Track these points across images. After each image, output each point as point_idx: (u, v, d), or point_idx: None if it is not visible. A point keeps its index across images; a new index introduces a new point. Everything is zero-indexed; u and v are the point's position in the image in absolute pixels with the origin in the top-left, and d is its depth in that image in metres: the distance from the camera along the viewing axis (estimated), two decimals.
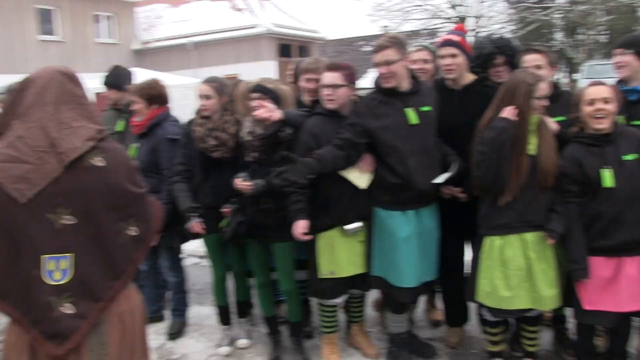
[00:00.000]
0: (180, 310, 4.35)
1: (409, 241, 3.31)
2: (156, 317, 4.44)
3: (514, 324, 3.60)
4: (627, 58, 3.32)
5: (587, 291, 3.04)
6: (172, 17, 28.40)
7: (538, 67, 3.33)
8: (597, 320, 3.10)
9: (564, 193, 3.06)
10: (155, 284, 4.44)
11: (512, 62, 3.53)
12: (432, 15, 26.79)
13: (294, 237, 3.32)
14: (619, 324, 3.10)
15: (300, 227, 3.28)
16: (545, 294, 3.10)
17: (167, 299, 4.54)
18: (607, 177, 2.94)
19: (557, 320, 3.69)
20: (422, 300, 4.22)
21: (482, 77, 3.53)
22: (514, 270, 3.08)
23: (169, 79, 3.87)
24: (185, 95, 14.52)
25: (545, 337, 3.70)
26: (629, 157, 2.96)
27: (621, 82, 3.41)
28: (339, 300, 3.64)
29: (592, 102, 2.97)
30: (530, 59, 3.38)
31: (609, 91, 2.98)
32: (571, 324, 3.52)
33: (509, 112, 2.99)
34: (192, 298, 4.68)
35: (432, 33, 26.03)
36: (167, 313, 4.46)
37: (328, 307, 3.67)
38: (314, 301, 4.05)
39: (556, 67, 3.53)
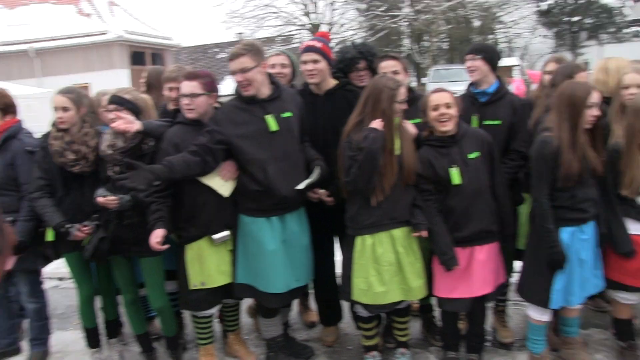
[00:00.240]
0: (41, 339, 3.98)
1: (276, 250, 3.33)
2: (12, 351, 4.05)
3: (385, 317, 3.77)
4: (477, 63, 3.60)
5: (443, 280, 3.29)
6: (7, 20, 26.05)
7: (395, 72, 3.51)
8: (455, 306, 3.35)
9: (422, 192, 3.28)
10: (8, 314, 4.03)
11: (373, 67, 3.69)
12: (287, 22, 27.36)
13: (154, 249, 3.20)
14: (474, 307, 3.38)
15: (155, 235, 3.17)
16: (414, 285, 3.28)
17: (24, 328, 4.17)
18: (455, 175, 3.21)
19: (424, 309, 3.92)
20: (295, 303, 4.27)
21: (344, 82, 3.65)
22: (386, 266, 3.22)
23: (9, 89, 3.47)
24: (30, 107, 13.47)
25: (414, 327, 3.92)
26: (473, 155, 3.25)
27: (473, 84, 3.70)
28: (213, 310, 3.59)
29: (436, 108, 3.22)
30: (388, 65, 3.56)
31: (450, 97, 3.25)
32: (437, 311, 3.76)
33: (377, 124, 3.13)
34: (54, 324, 4.34)
35: (287, 40, 26.56)
36: (25, 344, 4.09)
37: (202, 319, 3.60)
38: (186, 313, 3.95)
39: (408, 72, 3.75)
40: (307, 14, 26.98)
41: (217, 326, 4.01)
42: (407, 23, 27.43)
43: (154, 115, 3.62)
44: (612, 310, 3.58)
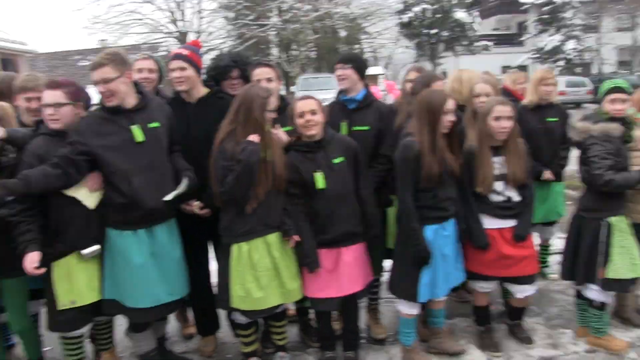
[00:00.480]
0: None
1: (143, 264, 3.23)
2: None
3: (262, 323, 3.80)
4: (347, 72, 3.74)
5: (314, 281, 3.38)
6: None
7: (269, 80, 3.58)
8: (327, 306, 3.46)
9: (289, 196, 3.36)
10: None
11: (245, 76, 3.72)
12: (153, 29, 26.66)
13: (31, 274, 3.03)
14: (346, 306, 3.52)
15: (31, 260, 3.00)
16: (291, 288, 3.35)
17: None
18: (319, 180, 3.32)
19: (300, 312, 4.01)
20: (173, 315, 4.17)
21: (215, 90, 3.65)
22: (263, 271, 3.24)
23: None
24: None
25: (291, 330, 3.99)
26: (337, 160, 3.38)
27: (342, 92, 3.83)
28: (84, 329, 3.41)
29: (302, 115, 3.32)
30: (262, 72, 3.61)
31: (315, 103, 3.36)
32: (313, 314, 3.85)
33: (254, 137, 3.15)
34: None
35: (153, 47, 25.86)
36: None
37: (72, 339, 3.41)
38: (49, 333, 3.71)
39: (281, 80, 3.82)
40: (174, 21, 26.45)
41: (88, 346, 3.81)
42: (276, 32, 27.80)
43: (15, 125, 3.36)
44: (473, 299, 3.89)
